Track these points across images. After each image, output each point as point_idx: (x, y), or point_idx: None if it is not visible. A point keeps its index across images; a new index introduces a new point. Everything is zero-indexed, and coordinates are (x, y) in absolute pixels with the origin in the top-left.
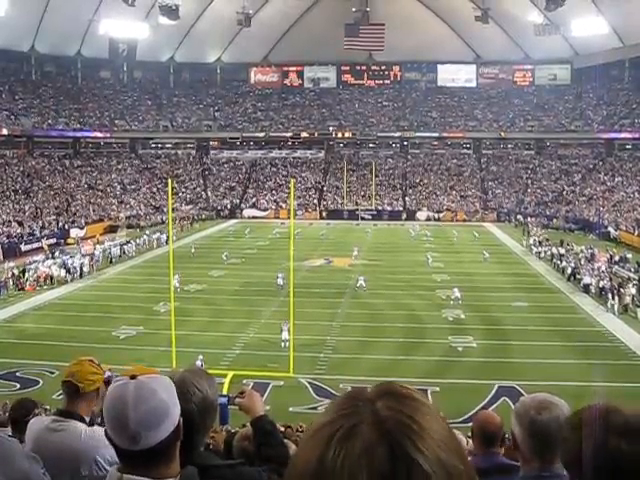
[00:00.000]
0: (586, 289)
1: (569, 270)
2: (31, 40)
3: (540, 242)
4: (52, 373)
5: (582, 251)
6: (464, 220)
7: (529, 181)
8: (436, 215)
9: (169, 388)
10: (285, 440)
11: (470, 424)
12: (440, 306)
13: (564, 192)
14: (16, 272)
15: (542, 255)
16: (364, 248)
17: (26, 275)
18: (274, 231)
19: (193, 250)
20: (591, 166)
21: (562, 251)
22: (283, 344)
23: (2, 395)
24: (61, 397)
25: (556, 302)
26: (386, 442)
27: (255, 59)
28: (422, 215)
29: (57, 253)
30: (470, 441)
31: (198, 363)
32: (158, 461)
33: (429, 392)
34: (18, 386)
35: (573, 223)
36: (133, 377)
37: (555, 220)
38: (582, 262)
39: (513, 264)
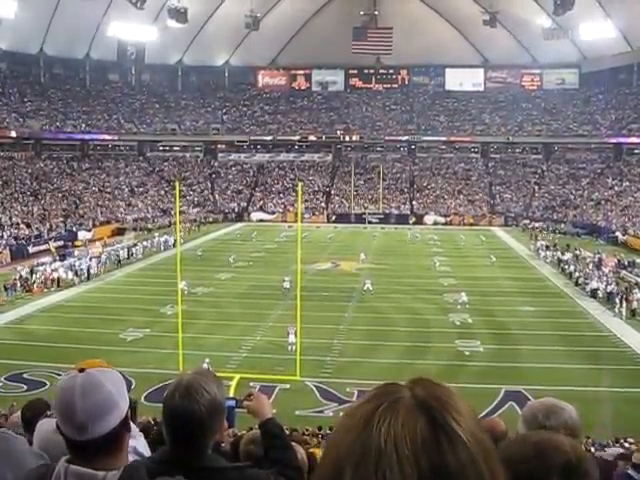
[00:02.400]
0: (593, 294)
1: (576, 275)
2: (40, 43)
3: (547, 246)
4: (59, 375)
5: (589, 256)
6: (471, 224)
7: (537, 185)
8: (443, 219)
9: (118, 381)
10: (292, 443)
11: None
12: (447, 310)
13: (572, 196)
14: (24, 274)
15: (549, 259)
16: (371, 252)
17: (33, 277)
18: (281, 234)
19: (200, 253)
20: (599, 170)
21: (569, 256)
22: (290, 347)
23: (9, 397)
24: None
25: (563, 307)
26: (427, 413)
27: (263, 62)
28: (429, 219)
29: (67, 256)
30: None
31: (204, 367)
32: (105, 452)
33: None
34: (25, 388)
35: (581, 228)
36: (82, 370)
37: (563, 225)
38: (590, 267)
39: (520, 268)
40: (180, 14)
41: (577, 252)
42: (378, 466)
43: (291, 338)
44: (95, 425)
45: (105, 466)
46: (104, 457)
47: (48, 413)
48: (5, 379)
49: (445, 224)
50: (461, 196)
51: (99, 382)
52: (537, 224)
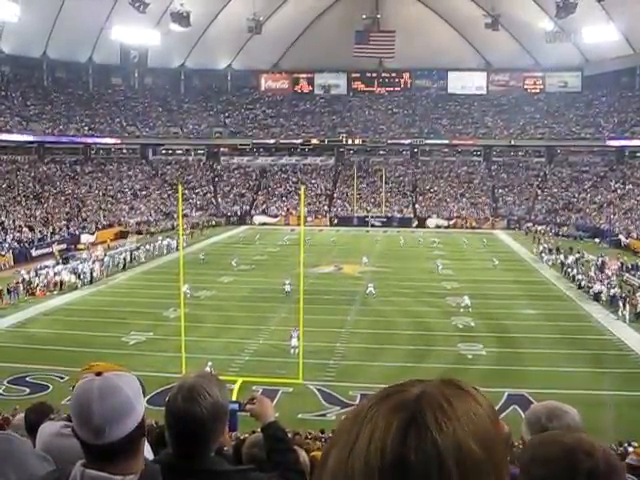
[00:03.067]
0: (596, 297)
1: (579, 278)
2: (43, 46)
3: (550, 250)
4: (62, 378)
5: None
6: (474, 227)
7: (539, 188)
8: (446, 222)
9: (134, 385)
10: (295, 447)
11: None
12: (450, 313)
13: (575, 200)
14: (27, 277)
15: (552, 263)
16: (374, 255)
17: (36, 280)
18: (284, 238)
19: (203, 257)
20: (602, 173)
21: (572, 259)
22: (292, 351)
23: (12, 400)
24: (70, 402)
25: (566, 310)
26: (411, 407)
27: (266, 66)
28: (432, 222)
29: (70, 259)
30: None
31: (207, 370)
32: (121, 456)
33: None
34: (28, 391)
35: (584, 231)
36: (99, 374)
37: (566, 228)
38: (593, 270)
39: (523, 272)
40: (183, 18)
41: (580, 255)
42: (351, 452)
43: (294, 342)
44: (112, 429)
45: (122, 470)
46: (121, 461)
47: (52, 416)
48: (8, 382)
49: (448, 227)
50: (464, 199)
51: (117, 385)
52: (540, 227)
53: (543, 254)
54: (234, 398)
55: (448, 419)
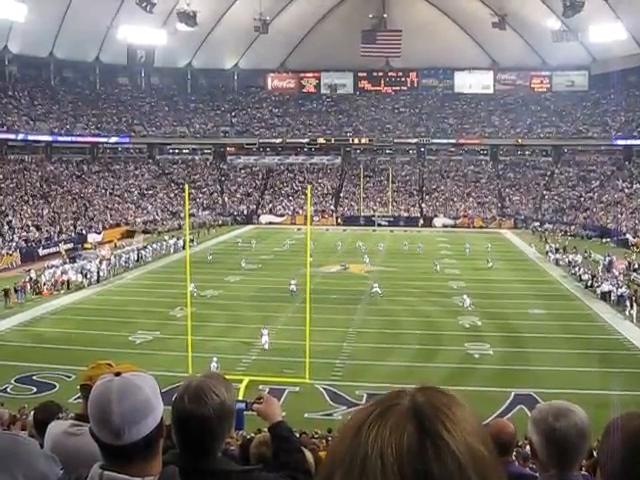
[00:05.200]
0: (604, 297)
1: (586, 277)
2: (50, 46)
3: (557, 249)
4: (68, 377)
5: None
6: (481, 227)
7: (546, 188)
8: (453, 222)
9: (153, 385)
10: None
11: None
12: (456, 313)
13: (582, 199)
14: (34, 276)
15: (559, 262)
16: (380, 254)
17: (43, 279)
18: (290, 237)
19: (210, 257)
20: (609, 173)
21: (579, 258)
22: (266, 346)
23: (19, 399)
24: (77, 401)
25: (573, 309)
26: (417, 420)
27: (272, 65)
28: (439, 221)
29: (77, 259)
30: None
31: (213, 365)
32: (140, 457)
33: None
34: (34, 390)
35: (591, 230)
36: (117, 374)
37: (573, 227)
38: (600, 269)
39: (530, 271)
40: (189, 17)
41: (587, 254)
42: (363, 473)
43: (264, 339)
44: (131, 430)
45: (140, 472)
46: (139, 463)
47: (60, 415)
48: (15, 381)
49: (454, 227)
50: (470, 199)
51: (136, 386)
52: (547, 226)
53: (550, 253)
54: (240, 397)
55: (455, 425)
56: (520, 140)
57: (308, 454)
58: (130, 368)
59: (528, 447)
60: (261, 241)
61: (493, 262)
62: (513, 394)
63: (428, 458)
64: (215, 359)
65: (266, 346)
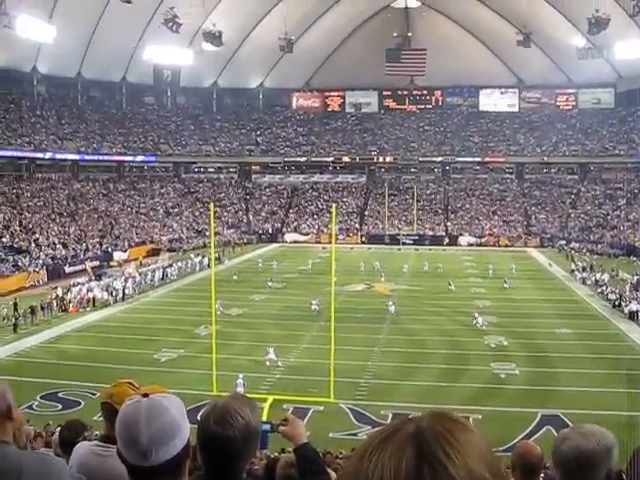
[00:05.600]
0: (632, 316)
1: (614, 297)
2: (78, 66)
3: (584, 268)
4: (93, 394)
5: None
6: (507, 245)
7: (573, 206)
8: (478, 240)
9: (180, 407)
10: (327, 469)
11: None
12: (482, 332)
13: (609, 217)
14: (60, 293)
15: (586, 281)
16: (406, 274)
17: (69, 296)
18: (315, 256)
19: (235, 277)
20: (636, 190)
21: (607, 277)
22: (268, 363)
23: (44, 416)
24: (102, 418)
25: (601, 329)
26: (416, 445)
27: (297, 84)
28: (464, 240)
29: (102, 276)
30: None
31: (239, 382)
32: (167, 478)
33: (471, 419)
34: (60, 407)
35: (618, 248)
36: (145, 395)
37: (600, 246)
38: (628, 288)
39: (556, 290)
40: (215, 37)
41: (614, 273)
42: None
43: (270, 356)
44: (159, 451)
45: None
46: None
47: (85, 434)
48: (41, 398)
49: (480, 245)
50: (496, 217)
51: (163, 407)
52: (573, 245)
53: (577, 272)
54: (265, 416)
55: (456, 450)
56: (546, 158)
57: (333, 475)
58: (157, 389)
59: None
60: (283, 260)
61: (510, 283)
62: (540, 415)
63: None
64: (241, 376)
65: (268, 363)
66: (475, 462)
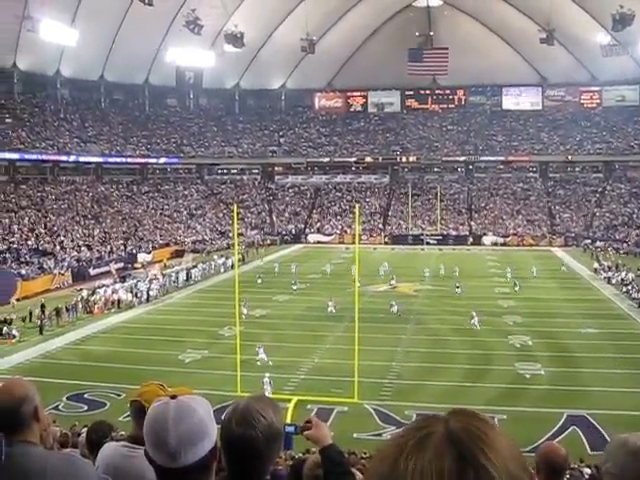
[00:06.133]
0: None
1: (638, 296)
2: (100, 69)
3: (609, 267)
4: (119, 395)
5: None
6: (531, 245)
7: (597, 205)
8: (502, 240)
9: (208, 408)
10: (352, 469)
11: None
12: (506, 332)
13: (634, 215)
14: (85, 295)
15: (611, 280)
16: (429, 273)
17: (94, 298)
18: (338, 256)
19: (260, 281)
20: None
21: (632, 276)
22: (259, 363)
23: (70, 417)
24: (127, 419)
25: (627, 329)
26: (456, 448)
27: (319, 85)
28: (488, 239)
29: (127, 278)
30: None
31: (266, 380)
32: (195, 479)
33: (496, 420)
34: (85, 408)
35: None
36: (173, 397)
37: (625, 244)
38: None
39: (581, 290)
40: (237, 39)
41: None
42: None
43: (261, 356)
44: (187, 452)
45: None
46: None
47: (112, 435)
48: (67, 399)
49: (504, 245)
50: (520, 216)
51: (192, 408)
52: (598, 244)
53: (602, 271)
54: (289, 417)
55: (495, 452)
56: (570, 156)
57: (359, 475)
58: (185, 391)
59: (586, 469)
60: (307, 261)
61: (519, 283)
62: (565, 415)
63: None
64: (267, 375)
65: (259, 363)
66: (511, 463)
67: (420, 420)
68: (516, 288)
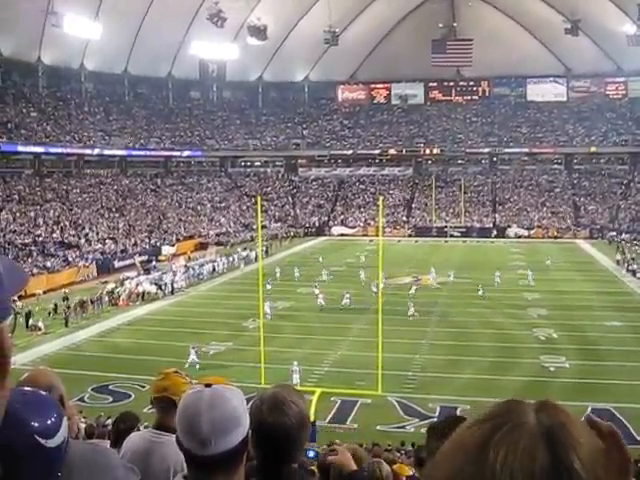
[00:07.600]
0: None
1: None
2: (124, 63)
3: (634, 259)
4: (143, 387)
5: None
6: (555, 237)
7: (623, 197)
8: (527, 232)
9: (242, 399)
10: (378, 459)
11: None
12: (531, 325)
13: None
14: (110, 288)
15: (637, 273)
16: (452, 266)
17: (119, 290)
18: (362, 248)
19: (278, 275)
20: None
21: None
22: (187, 365)
23: (96, 408)
24: (152, 411)
25: None
26: (549, 446)
27: (342, 77)
28: (512, 232)
29: (151, 271)
30: None
31: (295, 369)
32: (224, 469)
33: None
34: (110, 399)
35: None
36: (208, 385)
37: None
38: None
39: (607, 282)
40: (260, 31)
41: None
42: None
43: (192, 357)
44: (219, 440)
45: None
46: (222, 475)
47: (139, 426)
48: (92, 390)
49: (528, 237)
50: (544, 208)
51: (226, 397)
52: (624, 237)
53: (627, 264)
54: (312, 408)
55: (587, 455)
56: (595, 148)
57: (386, 467)
58: (219, 380)
59: None
60: (331, 253)
61: (532, 275)
62: (590, 409)
63: None
64: (295, 363)
65: (187, 365)
66: (598, 464)
67: (505, 406)
68: (526, 281)
